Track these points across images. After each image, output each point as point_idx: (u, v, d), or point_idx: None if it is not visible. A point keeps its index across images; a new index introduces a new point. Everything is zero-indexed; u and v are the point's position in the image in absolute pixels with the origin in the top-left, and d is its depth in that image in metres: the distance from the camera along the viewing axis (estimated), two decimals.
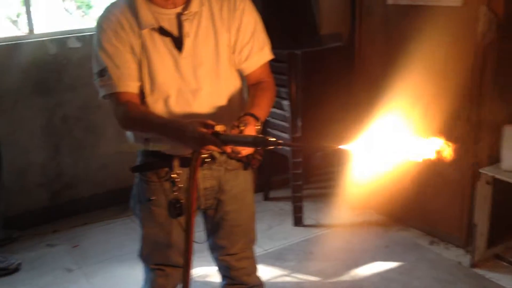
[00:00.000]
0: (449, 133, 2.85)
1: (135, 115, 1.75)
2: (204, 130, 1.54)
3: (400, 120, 2.82)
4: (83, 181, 3.90)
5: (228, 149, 1.55)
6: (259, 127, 1.65)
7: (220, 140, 1.53)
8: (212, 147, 1.56)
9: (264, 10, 3.11)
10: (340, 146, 1.35)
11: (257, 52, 1.86)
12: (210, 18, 1.79)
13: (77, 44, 3.71)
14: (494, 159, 2.81)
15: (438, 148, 1.26)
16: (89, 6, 4.23)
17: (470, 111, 2.91)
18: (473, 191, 2.88)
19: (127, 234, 3.55)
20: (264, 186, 4.00)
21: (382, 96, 3.37)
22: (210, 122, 1.56)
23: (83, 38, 3.71)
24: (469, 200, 2.98)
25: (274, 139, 1.46)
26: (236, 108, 1.89)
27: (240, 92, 1.93)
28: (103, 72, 1.76)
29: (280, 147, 1.47)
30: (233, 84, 1.88)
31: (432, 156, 1.24)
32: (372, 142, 1.28)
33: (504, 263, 2.97)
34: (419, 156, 1.26)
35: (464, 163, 2.96)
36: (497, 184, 2.80)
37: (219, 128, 1.54)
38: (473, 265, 2.94)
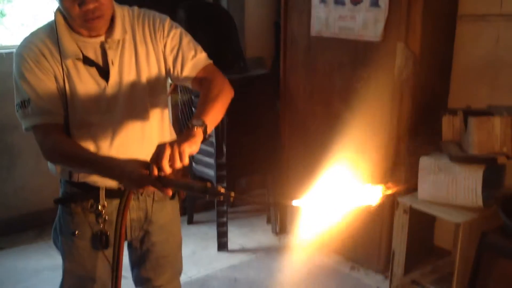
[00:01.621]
0: (368, 164, 2.96)
1: (64, 150, 1.69)
2: (144, 171, 1.46)
3: (324, 154, 2.91)
4: None
5: (169, 192, 1.49)
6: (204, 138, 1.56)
7: (162, 183, 1.45)
8: (151, 188, 1.49)
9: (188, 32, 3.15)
10: (293, 202, 1.30)
11: (191, 59, 1.81)
12: (133, 44, 1.77)
13: None
14: (411, 188, 2.94)
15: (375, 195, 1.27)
16: (2, 14, 4.06)
17: (388, 143, 3.03)
18: (392, 219, 3.00)
19: (43, 260, 3.42)
20: (188, 210, 3.98)
21: (306, 124, 3.48)
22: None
23: None
24: (387, 227, 3.10)
25: (224, 190, 1.37)
26: (165, 133, 1.90)
27: (166, 115, 1.91)
28: (25, 103, 1.69)
29: (231, 197, 1.37)
30: (159, 109, 1.86)
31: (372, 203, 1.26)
32: (317, 197, 1.27)
33: None
34: (359, 203, 1.27)
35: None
36: (413, 213, 2.93)
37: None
38: None
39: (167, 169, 1.43)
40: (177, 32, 1.82)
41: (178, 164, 1.43)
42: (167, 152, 1.43)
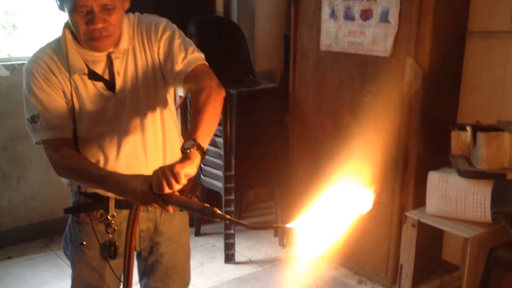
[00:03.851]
0: (377, 177, 2.96)
1: (72, 165, 1.71)
2: (147, 189, 1.48)
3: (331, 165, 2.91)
4: (7, 213, 3.76)
5: (171, 209, 1.51)
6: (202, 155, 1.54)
7: (164, 200, 1.48)
8: (154, 205, 1.52)
9: (199, 47, 3.19)
10: (287, 225, 1.30)
11: (181, 62, 1.76)
12: (132, 52, 1.78)
13: (5, 73, 3.60)
14: (419, 202, 2.94)
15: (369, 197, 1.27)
16: (14, 27, 4.12)
17: (397, 157, 3.04)
18: (400, 233, 2.99)
19: (51, 270, 3.44)
20: (196, 221, 3.99)
21: (315, 138, 3.49)
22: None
23: (12, 67, 3.61)
24: (395, 241, 3.10)
25: (220, 212, 1.38)
26: (173, 142, 1.89)
27: (172, 123, 1.91)
28: (35, 118, 1.72)
29: (227, 221, 1.40)
30: (163, 116, 1.85)
31: (366, 209, 1.26)
32: (314, 217, 1.28)
33: None
34: (356, 211, 1.28)
35: (391, 206, 3.08)
36: (421, 227, 2.92)
37: None
38: None
39: (167, 191, 1.46)
40: (169, 34, 1.79)
41: (175, 186, 1.45)
42: (163, 177, 1.45)
